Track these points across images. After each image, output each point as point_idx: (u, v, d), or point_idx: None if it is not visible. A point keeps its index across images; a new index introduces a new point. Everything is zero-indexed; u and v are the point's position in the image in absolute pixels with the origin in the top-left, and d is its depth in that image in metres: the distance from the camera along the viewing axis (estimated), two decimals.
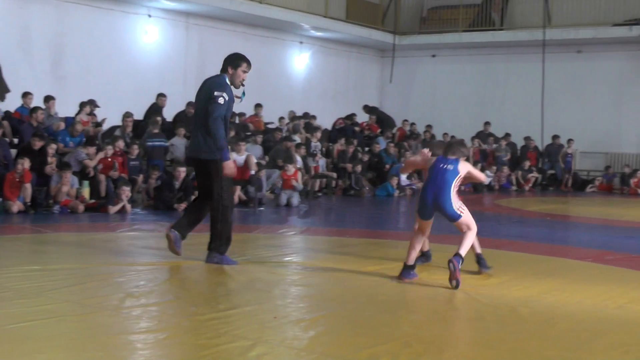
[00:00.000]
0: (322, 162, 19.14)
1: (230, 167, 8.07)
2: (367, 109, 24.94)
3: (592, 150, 25.38)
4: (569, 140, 24.01)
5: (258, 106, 20.64)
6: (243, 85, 8.33)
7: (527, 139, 24.91)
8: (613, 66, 25.31)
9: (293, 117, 21.86)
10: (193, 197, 14.11)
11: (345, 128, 22.98)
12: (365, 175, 19.83)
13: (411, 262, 7.67)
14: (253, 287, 6.98)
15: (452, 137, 22.78)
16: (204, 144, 8.07)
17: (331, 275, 7.84)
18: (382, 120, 24.74)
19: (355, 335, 5.40)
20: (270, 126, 20.95)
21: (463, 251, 7.50)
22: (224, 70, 8.24)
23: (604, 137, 25.14)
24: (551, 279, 7.86)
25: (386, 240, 10.61)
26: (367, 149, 21.76)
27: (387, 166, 20.83)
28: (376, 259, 8.83)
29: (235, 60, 8.23)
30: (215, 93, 8.00)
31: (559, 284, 7.62)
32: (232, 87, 8.19)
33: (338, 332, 5.57)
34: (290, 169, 16.22)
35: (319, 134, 20.08)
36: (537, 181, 24.29)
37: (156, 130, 16.40)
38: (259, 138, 18.28)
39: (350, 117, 23.88)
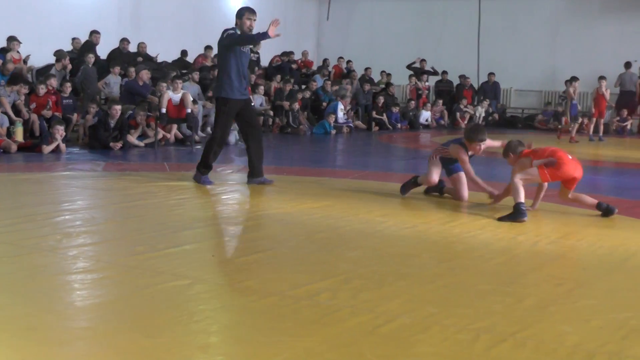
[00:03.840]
0: (260, 99, 19.03)
1: (273, 33, 9.33)
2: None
3: (527, 88, 25.68)
4: (573, 79, 21.03)
5: (208, 48, 20.42)
6: (251, 31, 9.53)
7: (462, 77, 25.09)
8: (548, 4, 25.48)
9: None
10: (129, 135, 14.00)
11: (282, 65, 22.86)
12: (303, 113, 19.81)
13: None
14: (192, 226, 6.96)
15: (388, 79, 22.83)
16: (218, 84, 9.63)
17: (269, 213, 7.86)
18: None
19: (295, 273, 5.44)
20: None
21: None
22: (235, 23, 9.54)
23: (539, 76, 25.42)
24: (486, 215, 7.98)
25: (324, 177, 10.65)
26: (304, 86, 21.69)
27: (324, 104, 20.83)
28: (314, 197, 8.87)
29: (239, 12, 9.61)
30: (225, 32, 9.45)
31: (494, 220, 7.74)
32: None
33: (277, 270, 5.60)
34: None
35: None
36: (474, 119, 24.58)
37: None
38: (196, 75, 18.07)
39: (288, 54, 23.74)
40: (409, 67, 24.93)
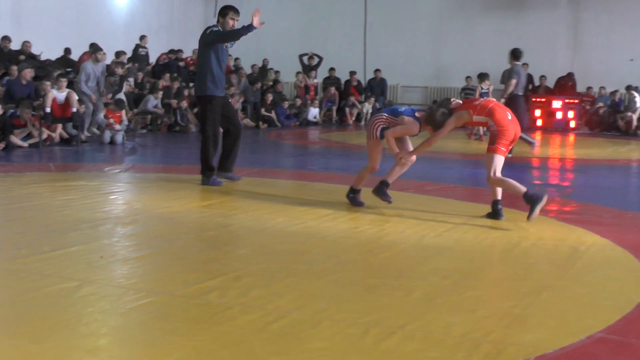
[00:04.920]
0: (156, 101, 18.78)
1: (257, 23, 9.17)
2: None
3: (413, 84, 26.09)
4: (484, 76, 21.36)
5: (93, 45, 19.96)
6: None
7: (352, 73, 25.30)
8: (431, 2, 25.94)
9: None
10: (12, 136, 13.62)
11: (169, 63, 22.63)
12: (191, 111, 19.64)
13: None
14: (78, 228, 6.82)
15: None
16: (200, 83, 9.59)
17: (158, 212, 7.77)
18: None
19: (185, 272, 5.40)
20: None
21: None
22: (217, 21, 9.60)
23: (424, 72, 25.86)
24: (374, 210, 8.08)
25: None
26: (192, 84, 21.50)
27: None
28: (203, 195, 8.82)
29: (223, 10, 9.55)
30: (209, 29, 9.51)
31: (382, 214, 7.85)
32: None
33: (167, 269, 5.55)
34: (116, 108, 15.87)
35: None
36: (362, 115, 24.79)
37: None
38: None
39: (175, 52, 23.50)
40: (301, 57, 25.00)
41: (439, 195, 9.26)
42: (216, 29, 9.49)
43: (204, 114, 9.68)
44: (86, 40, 20.28)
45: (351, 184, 8.51)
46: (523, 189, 7.49)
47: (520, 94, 14.88)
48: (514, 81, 14.69)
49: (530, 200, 7.36)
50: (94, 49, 17.58)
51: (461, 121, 7.84)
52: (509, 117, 7.70)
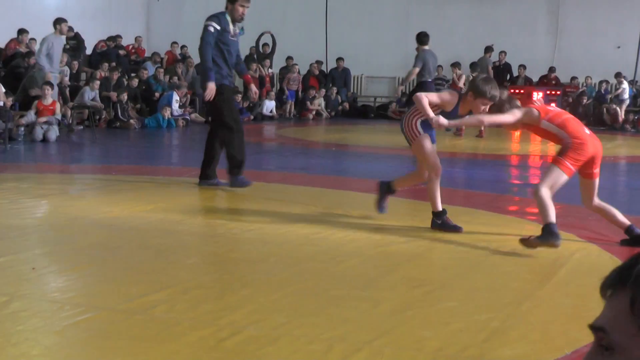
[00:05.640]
0: (93, 93, 18.64)
1: (211, 88, 9.12)
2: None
3: (379, 75, 26.12)
4: (455, 65, 22.26)
5: (22, 32, 19.73)
6: (242, 19, 9.53)
7: (317, 62, 25.24)
8: None
9: None
10: None
11: (108, 52, 22.46)
12: (133, 105, 19.52)
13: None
14: (7, 236, 6.74)
15: None
16: (203, 75, 9.53)
17: (97, 218, 7.70)
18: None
19: (127, 284, 5.36)
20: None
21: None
22: (226, 7, 9.49)
23: (391, 61, 25.89)
24: (336, 213, 8.07)
25: (158, 177, 10.54)
26: (133, 75, 21.39)
27: (157, 94, 20.60)
28: (147, 198, 8.76)
29: None
30: (205, 23, 9.34)
31: (346, 218, 7.85)
32: (232, 22, 9.42)
33: (107, 281, 5.50)
34: (48, 98, 15.71)
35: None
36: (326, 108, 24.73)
37: None
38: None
39: (114, 39, 23.31)
40: (257, 40, 24.90)
41: (407, 197, 9.27)
42: (215, 21, 9.28)
43: (218, 107, 9.47)
44: (12, 25, 20.01)
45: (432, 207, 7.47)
46: (552, 218, 6.59)
47: (429, 80, 14.94)
48: (416, 69, 14.79)
49: (546, 232, 6.60)
50: (57, 19, 17.04)
51: (527, 119, 6.91)
52: (587, 132, 6.88)
